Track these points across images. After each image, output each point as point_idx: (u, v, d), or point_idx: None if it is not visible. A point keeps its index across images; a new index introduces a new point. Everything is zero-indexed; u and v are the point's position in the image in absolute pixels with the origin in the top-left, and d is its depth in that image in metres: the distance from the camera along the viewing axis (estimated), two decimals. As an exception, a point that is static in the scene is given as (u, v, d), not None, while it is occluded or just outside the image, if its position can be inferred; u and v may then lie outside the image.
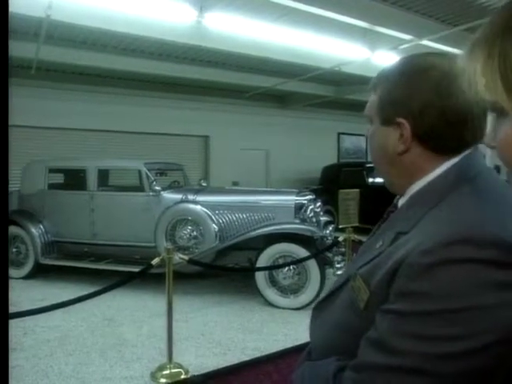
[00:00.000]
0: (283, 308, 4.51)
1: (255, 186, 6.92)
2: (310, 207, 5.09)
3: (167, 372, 3.06)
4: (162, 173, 5.96)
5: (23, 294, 4.94)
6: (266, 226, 4.88)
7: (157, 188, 5.27)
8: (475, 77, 0.49)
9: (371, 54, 6.98)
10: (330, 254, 4.90)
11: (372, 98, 0.83)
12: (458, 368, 0.53)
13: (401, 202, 0.81)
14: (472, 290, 0.53)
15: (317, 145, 12.09)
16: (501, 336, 0.52)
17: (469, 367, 0.53)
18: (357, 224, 5.04)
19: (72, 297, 2.96)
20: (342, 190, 5.31)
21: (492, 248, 0.54)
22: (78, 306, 3.28)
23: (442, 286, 0.55)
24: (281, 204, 5.07)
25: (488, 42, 0.48)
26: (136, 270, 4.30)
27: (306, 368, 0.78)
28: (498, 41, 0.47)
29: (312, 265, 4.45)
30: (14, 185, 6.09)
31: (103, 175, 6.04)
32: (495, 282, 0.53)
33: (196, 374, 3.11)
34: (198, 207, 5.12)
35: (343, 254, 4.79)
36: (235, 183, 9.55)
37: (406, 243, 0.64)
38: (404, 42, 6.46)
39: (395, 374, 0.56)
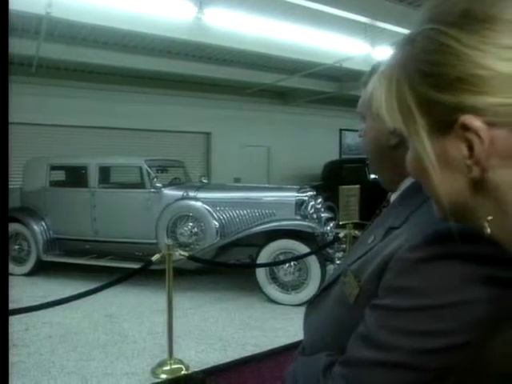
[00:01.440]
0: (284, 304, 4.52)
1: (257, 183, 6.93)
2: (311, 204, 5.10)
3: (168, 368, 3.08)
4: (162, 169, 5.97)
5: (25, 290, 4.97)
6: (267, 222, 4.89)
7: (158, 185, 5.28)
8: (380, 101, 0.52)
9: (372, 49, 6.96)
10: (330, 251, 4.90)
11: (364, 94, 0.83)
12: (445, 363, 0.53)
13: (393, 197, 0.81)
14: (459, 286, 0.53)
15: (318, 141, 12.05)
16: (487, 331, 0.52)
17: (455, 362, 0.53)
18: (357, 220, 5.04)
19: (74, 293, 2.98)
20: (342, 187, 5.29)
21: (480, 244, 0.54)
22: (79, 302, 3.30)
23: (430, 282, 0.54)
24: (282, 200, 5.07)
25: (390, 72, 0.51)
26: (137, 266, 4.31)
27: (297, 364, 0.79)
28: (395, 73, 0.50)
29: (313, 261, 4.46)
30: (15, 182, 6.12)
31: (104, 172, 6.05)
32: (483, 277, 0.53)
33: (196, 369, 3.12)
34: (199, 204, 5.13)
35: (344, 251, 4.79)
36: (237, 180, 9.55)
37: (397, 238, 0.63)
38: (405, 37, 6.44)
39: (383, 368, 0.56)
